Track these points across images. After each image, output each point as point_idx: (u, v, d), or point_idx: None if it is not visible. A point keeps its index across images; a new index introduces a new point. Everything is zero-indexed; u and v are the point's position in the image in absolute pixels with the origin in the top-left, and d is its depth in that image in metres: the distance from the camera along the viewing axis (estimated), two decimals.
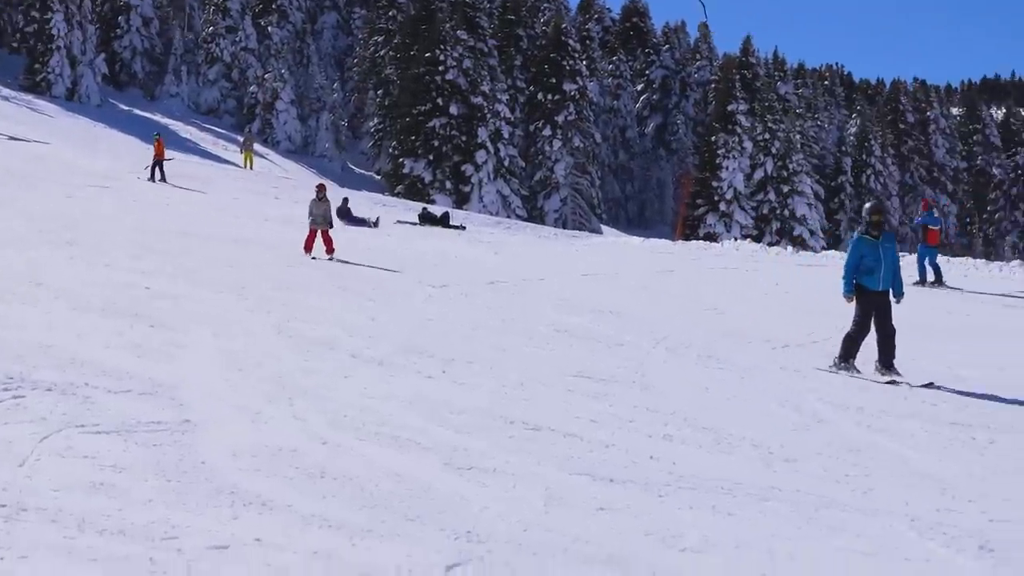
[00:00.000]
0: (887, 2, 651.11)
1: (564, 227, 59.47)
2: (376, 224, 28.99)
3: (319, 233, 18.77)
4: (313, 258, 18.23)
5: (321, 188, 19.68)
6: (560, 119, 66.81)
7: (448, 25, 62.65)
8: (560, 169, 65.84)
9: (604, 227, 67.31)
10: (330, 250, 18.59)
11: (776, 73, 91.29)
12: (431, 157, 60.34)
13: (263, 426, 6.87)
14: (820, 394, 9.69)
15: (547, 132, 66.74)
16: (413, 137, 60.93)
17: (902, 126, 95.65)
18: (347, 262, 18.25)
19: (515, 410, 7.91)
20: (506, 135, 61.73)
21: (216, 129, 62.33)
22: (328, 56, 78.68)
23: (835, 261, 29.46)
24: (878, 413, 8.99)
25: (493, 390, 8.65)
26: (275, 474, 5.84)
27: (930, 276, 22.51)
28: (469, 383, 8.87)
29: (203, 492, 5.43)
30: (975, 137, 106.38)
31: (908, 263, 22.45)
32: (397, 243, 24.47)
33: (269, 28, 70.31)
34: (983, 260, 29.35)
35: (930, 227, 22.98)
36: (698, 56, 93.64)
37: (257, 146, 56.03)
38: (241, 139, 53.36)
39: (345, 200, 29.82)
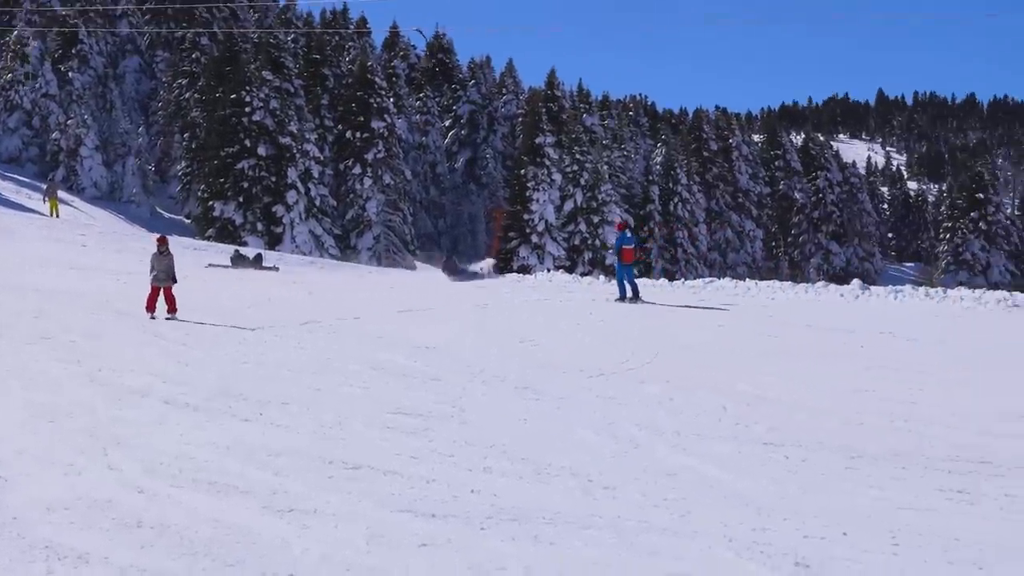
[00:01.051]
0: (686, 34, 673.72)
1: (378, 264, 59.34)
2: (487, 274, 28.19)
3: (161, 291, 17.16)
4: (152, 318, 16.76)
5: (162, 241, 17.74)
6: (370, 157, 66.76)
7: (253, 66, 61.96)
8: (372, 207, 65.70)
9: (418, 263, 67.43)
10: (172, 308, 17.01)
11: (581, 105, 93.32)
12: (241, 199, 59.39)
13: (77, 478, 6.70)
14: (636, 420, 9.94)
15: (357, 170, 66.56)
16: (222, 179, 59.86)
17: (706, 154, 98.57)
18: (185, 321, 17.45)
19: (334, 450, 7.90)
20: (316, 174, 61.29)
21: (18, 178, 59.96)
22: (132, 100, 76.72)
23: (646, 289, 30.28)
24: (693, 437, 9.29)
25: (311, 431, 8.62)
26: (90, 526, 5.71)
27: (629, 293, 24.57)
28: (286, 425, 8.81)
29: (16, 548, 5.27)
30: (777, 163, 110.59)
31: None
32: (209, 287, 24.00)
33: (70, 73, 68.12)
34: (789, 283, 30.47)
35: (624, 247, 24.97)
36: (504, 90, 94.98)
37: (62, 193, 54.24)
38: (44, 187, 51.55)
39: (449, 256, 28.77)
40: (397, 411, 9.73)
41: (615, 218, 68.88)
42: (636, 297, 24.48)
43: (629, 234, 25.58)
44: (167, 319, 16.77)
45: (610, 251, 67.37)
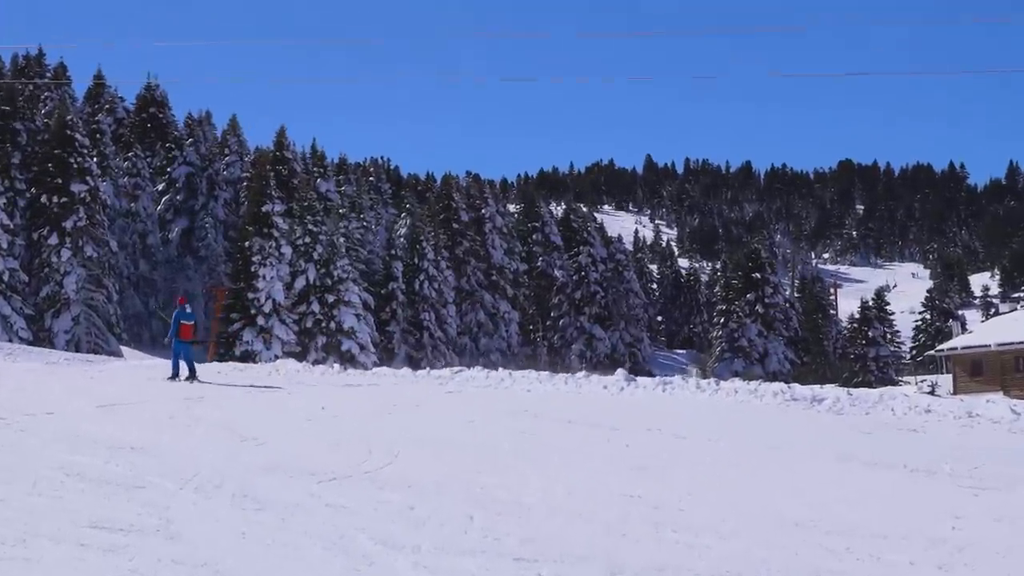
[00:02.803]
0: (433, 89, 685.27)
1: (77, 350, 57.43)
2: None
3: None
4: None
5: None
6: (69, 225, 64.82)
7: None
8: (71, 283, 63.68)
9: (125, 348, 65.55)
10: None
11: (315, 169, 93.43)
12: None
13: None
14: (372, 533, 10.00)
15: (54, 240, 64.48)
16: None
17: (456, 226, 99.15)
18: None
19: (13, 573, 7.66)
20: (4, 245, 59.10)
21: None
22: None
23: (388, 380, 30.41)
24: (435, 552, 9.41)
25: None
26: None
27: (184, 372, 26.26)
28: None
29: None
30: (535, 236, 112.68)
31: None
32: None
33: None
34: (548, 372, 30.88)
35: (183, 322, 26.72)
36: (227, 150, 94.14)
37: None
38: None
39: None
40: (93, 525, 9.52)
41: (352, 297, 69.00)
42: (192, 376, 26.07)
43: (188, 309, 27.36)
44: None
45: (354, 338, 67.37)
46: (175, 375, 26.14)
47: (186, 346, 26.68)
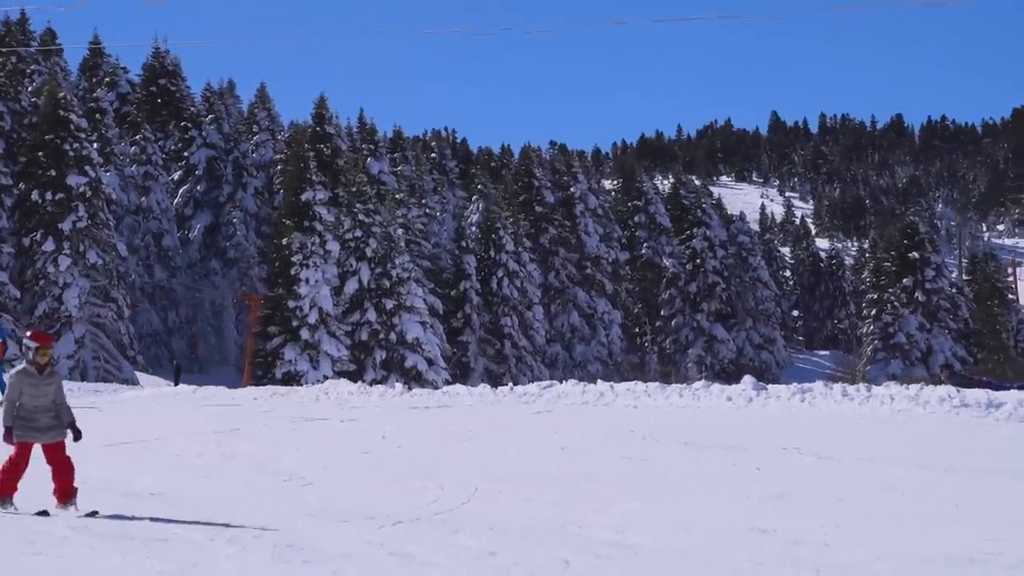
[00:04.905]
0: (506, 45, 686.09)
1: (83, 379, 58.16)
2: None
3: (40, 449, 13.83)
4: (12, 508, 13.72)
5: (43, 339, 13.90)
6: (67, 227, 65.59)
7: None
8: (72, 297, 64.49)
9: (141, 375, 66.30)
10: (67, 491, 13.70)
11: (364, 146, 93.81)
12: None
13: None
14: None
15: (49, 246, 65.31)
16: None
17: (540, 209, 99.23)
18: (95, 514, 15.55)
19: None
20: None
21: None
22: None
23: (463, 400, 30.45)
24: None
25: None
26: None
27: None
28: None
29: None
30: (637, 217, 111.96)
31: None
32: None
33: None
34: (658, 383, 30.74)
35: None
36: (255, 128, 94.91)
37: None
38: None
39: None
40: None
41: (416, 301, 69.15)
42: None
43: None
44: (61, 509, 13.65)
45: (419, 352, 67.53)
46: None
47: None
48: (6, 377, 27.58)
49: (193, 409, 29.61)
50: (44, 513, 13.32)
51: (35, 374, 13.56)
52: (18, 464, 13.56)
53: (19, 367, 13.63)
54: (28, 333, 13.87)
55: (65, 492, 13.62)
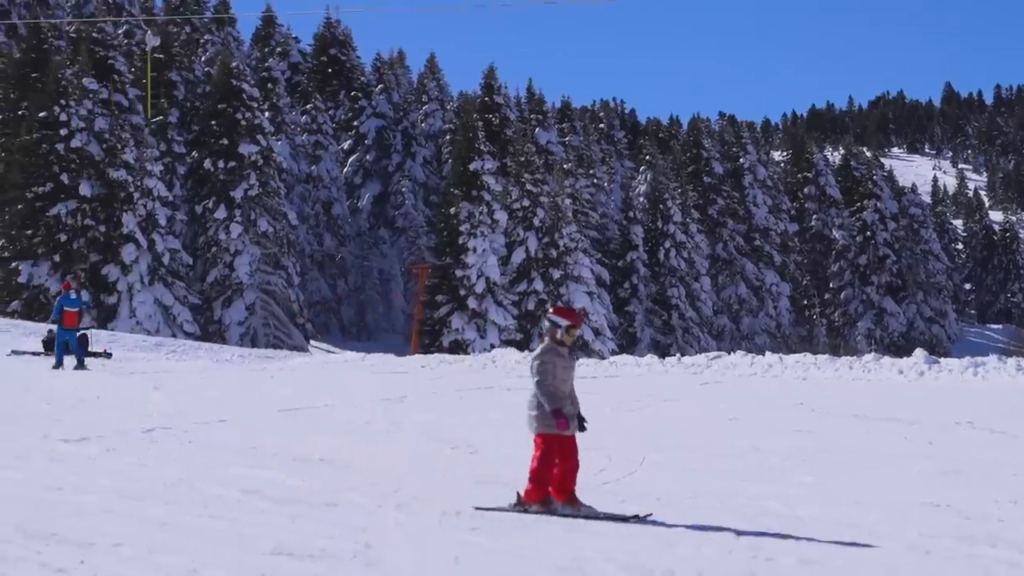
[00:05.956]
0: (676, 17, 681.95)
1: (254, 345, 59.03)
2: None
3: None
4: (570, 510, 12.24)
5: (573, 316, 12.62)
6: (238, 195, 66.49)
7: (70, 71, 61.76)
8: (243, 265, 65.42)
9: (311, 342, 67.18)
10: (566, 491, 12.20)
11: (533, 116, 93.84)
12: (57, 258, 58.95)
13: None
14: (613, 556, 9.86)
15: (221, 214, 66.27)
16: (30, 231, 59.40)
17: (708, 180, 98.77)
18: None
19: None
20: (163, 221, 60.90)
21: None
22: None
23: (630, 370, 30.35)
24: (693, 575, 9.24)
25: None
26: None
27: (73, 362, 29.24)
28: None
29: None
30: (807, 189, 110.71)
31: None
32: (13, 381, 23.76)
33: None
34: (827, 356, 30.48)
35: (67, 309, 29.91)
36: (425, 98, 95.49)
37: None
38: None
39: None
40: (277, 552, 9.63)
41: (583, 271, 69.15)
42: (80, 366, 29.15)
43: (74, 295, 30.87)
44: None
45: (586, 321, 67.42)
46: (58, 364, 29.53)
47: (71, 334, 29.94)
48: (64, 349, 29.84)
49: (362, 377, 29.91)
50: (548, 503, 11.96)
51: (565, 355, 12.25)
52: (564, 458, 12.04)
53: (544, 345, 12.21)
54: (550, 308, 12.52)
55: (565, 491, 12.05)
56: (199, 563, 9.16)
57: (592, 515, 11.53)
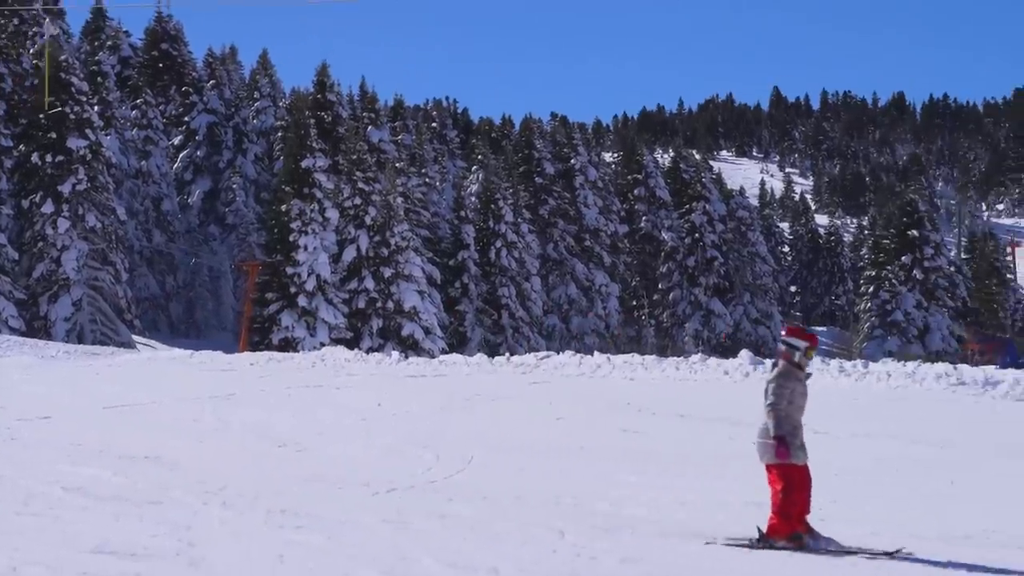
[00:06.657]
0: (510, 17, 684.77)
1: (80, 342, 58.13)
2: None
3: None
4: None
5: (812, 338, 12.31)
6: (66, 189, 65.44)
7: None
8: (70, 260, 64.38)
9: (138, 339, 66.33)
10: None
11: (365, 115, 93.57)
12: None
13: None
14: (437, 554, 9.96)
15: (48, 208, 65.17)
16: None
17: (540, 180, 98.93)
18: None
19: None
20: None
21: None
22: None
23: (459, 369, 30.48)
24: (517, 574, 9.36)
25: None
26: None
27: None
28: None
29: None
30: (636, 191, 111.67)
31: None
32: None
33: None
34: (655, 357, 30.90)
35: None
36: (257, 94, 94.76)
37: None
38: None
39: None
40: (99, 550, 9.58)
41: (414, 270, 69.22)
42: None
43: None
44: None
45: (416, 320, 67.58)
46: None
47: None
48: None
49: (189, 374, 29.68)
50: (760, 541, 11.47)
51: (802, 380, 11.77)
52: (801, 490, 11.56)
53: (780, 369, 11.77)
54: (784, 329, 12.22)
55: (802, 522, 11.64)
56: (19, 561, 9.10)
57: (840, 550, 10.97)
